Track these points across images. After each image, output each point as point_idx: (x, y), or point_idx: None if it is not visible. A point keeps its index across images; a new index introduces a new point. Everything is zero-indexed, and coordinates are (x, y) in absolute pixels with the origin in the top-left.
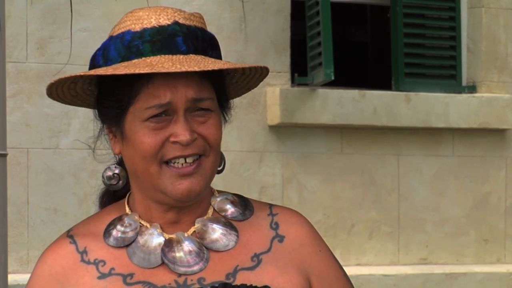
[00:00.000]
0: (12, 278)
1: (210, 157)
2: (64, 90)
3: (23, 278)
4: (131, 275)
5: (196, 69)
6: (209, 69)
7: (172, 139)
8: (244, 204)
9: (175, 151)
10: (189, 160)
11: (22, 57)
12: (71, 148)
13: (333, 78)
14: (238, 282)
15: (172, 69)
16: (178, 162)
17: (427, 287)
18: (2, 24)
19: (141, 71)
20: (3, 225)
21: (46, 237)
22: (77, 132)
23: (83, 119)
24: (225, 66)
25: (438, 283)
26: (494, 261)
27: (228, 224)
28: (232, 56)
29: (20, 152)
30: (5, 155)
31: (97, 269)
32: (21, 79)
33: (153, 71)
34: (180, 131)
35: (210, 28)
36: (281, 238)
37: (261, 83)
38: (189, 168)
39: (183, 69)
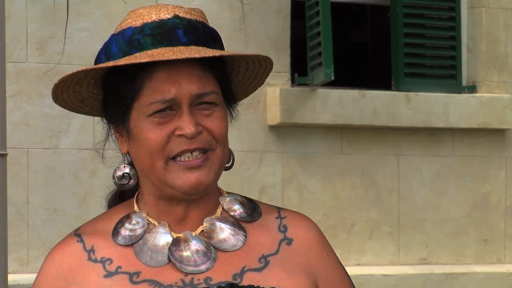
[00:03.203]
0: (12, 278)
1: (217, 150)
2: (70, 94)
3: (23, 278)
4: (137, 273)
5: (197, 56)
6: (210, 55)
7: (177, 132)
8: (253, 206)
9: (181, 145)
10: (195, 153)
11: (22, 57)
12: (71, 148)
13: (333, 78)
14: (245, 283)
15: (173, 57)
16: (184, 156)
17: (427, 287)
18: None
19: (141, 61)
20: (3, 225)
21: (46, 237)
22: (77, 132)
23: (83, 119)
24: (227, 53)
25: (438, 283)
26: (494, 261)
27: (237, 224)
28: None
29: (20, 152)
30: (5, 155)
31: (104, 267)
32: (21, 79)
33: (153, 59)
34: (185, 124)
35: None
36: (289, 241)
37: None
38: (197, 161)
39: (184, 56)
